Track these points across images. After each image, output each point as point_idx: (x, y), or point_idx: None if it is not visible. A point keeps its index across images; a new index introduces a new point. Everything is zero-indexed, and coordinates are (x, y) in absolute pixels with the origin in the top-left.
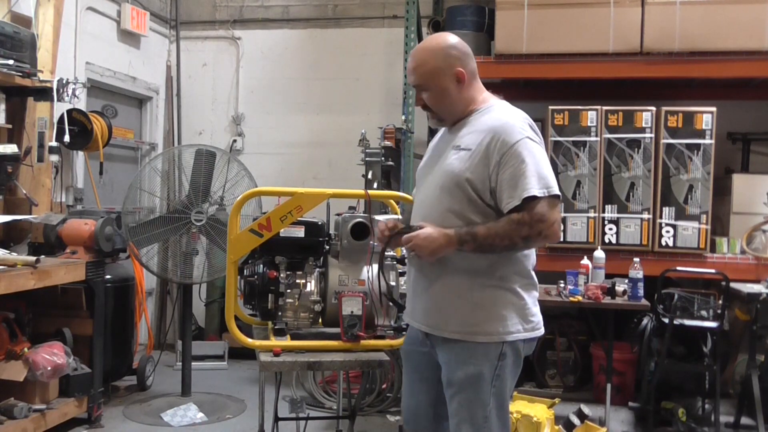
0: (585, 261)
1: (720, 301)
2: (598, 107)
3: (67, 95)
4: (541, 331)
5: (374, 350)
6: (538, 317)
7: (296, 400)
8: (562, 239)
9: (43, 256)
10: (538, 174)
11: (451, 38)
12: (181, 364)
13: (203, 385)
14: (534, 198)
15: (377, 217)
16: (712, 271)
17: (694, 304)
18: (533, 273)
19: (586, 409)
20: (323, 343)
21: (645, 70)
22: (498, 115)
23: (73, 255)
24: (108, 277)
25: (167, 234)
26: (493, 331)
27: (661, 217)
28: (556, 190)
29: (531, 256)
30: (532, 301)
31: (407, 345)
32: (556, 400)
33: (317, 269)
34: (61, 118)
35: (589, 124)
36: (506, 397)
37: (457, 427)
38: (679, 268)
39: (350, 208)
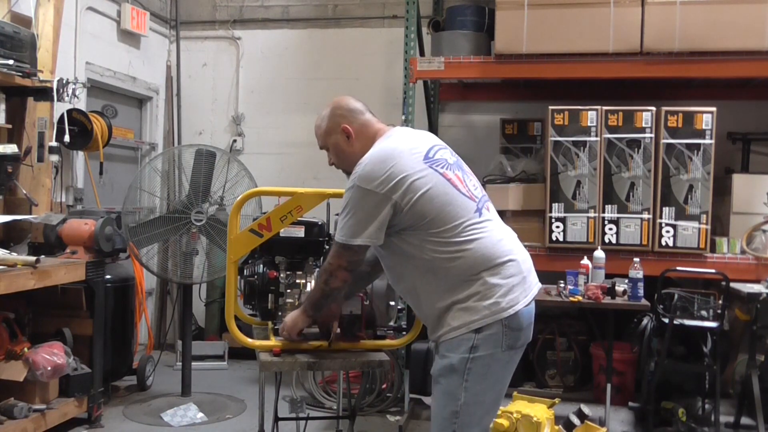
0: (585, 261)
1: (720, 301)
2: (598, 107)
3: (67, 95)
4: (517, 308)
5: (374, 350)
6: (511, 295)
7: (296, 400)
8: (561, 239)
9: (43, 256)
10: (346, 223)
11: (341, 100)
12: (181, 364)
13: (203, 385)
14: (335, 242)
15: None
16: (712, 271)
17: (694, 304)
18: (497, 251)
19: (586, 409)
20: (323, 343)
21: (645, 70)
22: None
23: (73, 255)
24: (108, 277)
25: (167, 234)
26: (461, 324)
27: (661, 217)
28: (354, 241)
29: (485, 241)
30: (500, 281)
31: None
32: (556, 400)
33: (317, 269)
34: (61, 118)
35: (589, 124)
36: (482, 394)
37: (433, 418)
38: (679, 268)
39: None
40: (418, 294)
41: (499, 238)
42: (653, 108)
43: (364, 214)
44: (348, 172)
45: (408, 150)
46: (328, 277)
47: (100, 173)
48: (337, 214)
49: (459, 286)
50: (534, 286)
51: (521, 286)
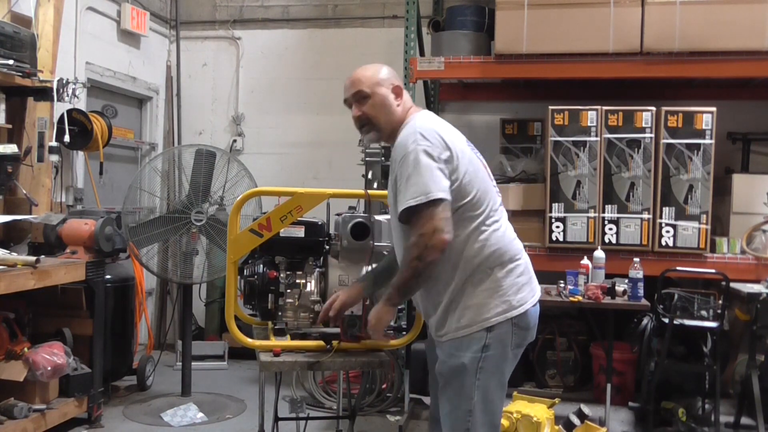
0: (585, 261)
1: (720, 301)
2: (598, 107)
3: (67, 95)
4: (526, 306)
5: (374, 350)
6: (520, 294)
7: (296, 400)
8: (561, 239)
9: (43, 256)
10: (417, 182)
11: (388, 66)
12: (181, 364)
13: (203, 385)
14: (412, 211)
15: (378, 217)
16: (712, 271)
17: (694, 304)
18: (511, 249)
19: (586, 409)
20: (323, 343)
21: (645, 70)
22: (403, 130)
23: (73, 255)
24: (108, 277)
25: (167, 234)
26: (471, 322)
27: (661, 217)
28: (434, 194)
29: (503, 235)
30: (511, 279)
31: (428, 346)
32: (556, 400)
33: (317, 269)
34: (61, 118)
35: (589, 124)
36: (493, 391)
37: (445, 419)
38: (679, 268)
39: (350, 208)
40: (436, 282)
41: (512, 237)
42: (653, 108)
43: (435, 167)
44: (378, 131)
45: (453, 129)
46: (422, 251)
47: (100, 173)
48: (337, 214)
49: (473, 277)
50: (537, 287)
51: (529, 285)
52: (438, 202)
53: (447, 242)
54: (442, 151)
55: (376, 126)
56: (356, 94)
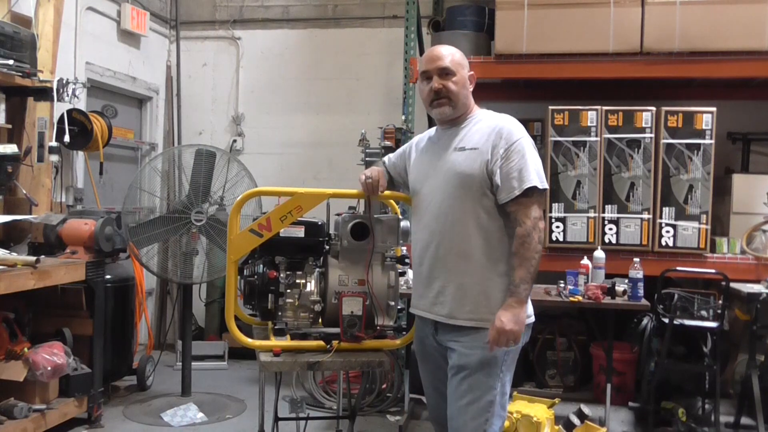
0: (585, 261)
1: (720, 301)
2: (598, 107)
3: (67, 95)
4: (533, 319)
5: (374, 350)
6: (530, 306)
7: (296, 400)
8: (561, 239)
9: (43, 256)
10: (537, 169)
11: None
12: (181, 364)
13: (203, 385)
14: (529, 193)
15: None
16: (712, 271)
17: (694, 304)
18: None
19: (586, 409)
20: (323, 344)
21: (645, 70)
22: (497, 118)
23: (73, 255)
24: (108, 277)
25: (167, 234)
26: None
27: (661, 217)
28: (546, 186)
29: None
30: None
31: (418, 344)
32: (556, 400)
33: (317, 269)
34: (61, 118)
35: (589, 124)
36: (508, 385)
37: (464, 409)
38: (679, 268)
39: (350, 208)
40: (473, 260)
41: None
42: (653, 108)
43: (540, 160)
44: (449, 104)
45: None
46: (540, 235)
47: (100, 173)
48: (337, 214)
49: (505, 269)
50: None
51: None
52: (545, 193)
53: None
54: None
55: (454, 102)
56: (441, 69)
